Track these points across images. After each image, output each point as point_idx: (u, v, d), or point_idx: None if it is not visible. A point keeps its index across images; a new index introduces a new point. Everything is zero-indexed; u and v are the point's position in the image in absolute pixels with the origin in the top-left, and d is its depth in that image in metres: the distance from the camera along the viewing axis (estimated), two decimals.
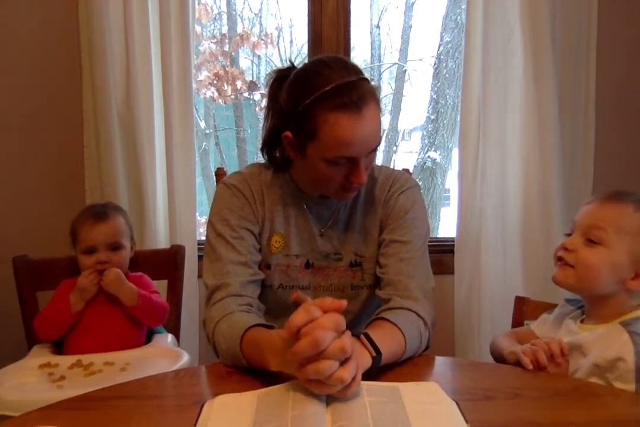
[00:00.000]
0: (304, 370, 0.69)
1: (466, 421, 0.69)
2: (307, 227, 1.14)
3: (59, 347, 1.40)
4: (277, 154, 1.14)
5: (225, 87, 2.83)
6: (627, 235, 0.94)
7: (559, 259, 0.99)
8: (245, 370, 0.89)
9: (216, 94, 2.84)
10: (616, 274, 0.95)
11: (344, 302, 0.73)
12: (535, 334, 1.08)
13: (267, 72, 1.13)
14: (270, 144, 1.14)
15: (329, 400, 0.72)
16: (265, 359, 0.80)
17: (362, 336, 0.85)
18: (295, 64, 1.09)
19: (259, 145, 1.16)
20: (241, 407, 0.73)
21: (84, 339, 1.37)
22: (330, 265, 1.15)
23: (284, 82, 1.05)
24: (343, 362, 0.70)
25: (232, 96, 2.87)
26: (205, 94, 2.84)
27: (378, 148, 1.05)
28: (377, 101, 1.00)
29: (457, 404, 0.73)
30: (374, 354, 0.83)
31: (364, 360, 0.81)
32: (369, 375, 0.80)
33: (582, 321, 1.01)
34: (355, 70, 1.00)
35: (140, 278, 1.48)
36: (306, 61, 1.09)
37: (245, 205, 1.11)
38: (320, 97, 0.96)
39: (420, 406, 0.72)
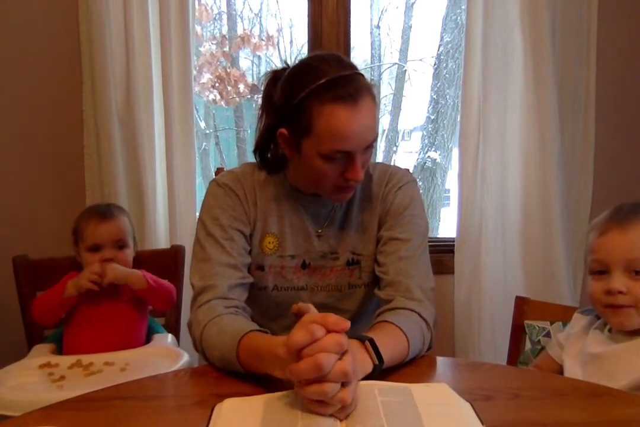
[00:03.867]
0: (306, 389, 0.68)
1: (481, 422, 0.68)
2: (302, 226, 1.12)
3: (59, 347, 1.41)
4: (269, 155, 1.13)
5: (229, 89, 2.83)
6: None
7: (613, 305, 0.93)
8: None
9: (218, 96, 2.84)
10: None
11: (347, 324, 0.71)
12: (553, 358, 1.05)
13: (262, 77, 1.12)
14: (263, 144, 1.12)
15: None
16: (270, 367, 0.78)
17: (367, 342, 0.83)
18: (290, 65, 1.08)
19: (253, 146, 1.14)
20: (249, 412, 0.72)
21: (83, 339, 1.37)
22: (327, 264, 1.13)
23: (279, 81, 1.04)
24: (344, 383, 0.69)
25: (236, 99, 2.87)
26: (207, 96, 2.84)
27: (374, 146, 1.04)
28: (372, 96, 0.99)
29: (471, 405, 0.73)
30: (377, 362, 0.82)
31: (365, 367, 0.81)
32: (368, 379, 0.80)
33: (609, 330, 0.98)
34: (351, 65, 1.00)
35: None
36: None
37: (237, 205, 1.09)
38: (315, 89, 0.95)
39: (432, 407, 0.71)
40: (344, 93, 0.94)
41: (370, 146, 1.02)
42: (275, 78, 1.07)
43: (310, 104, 0.96)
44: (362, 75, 1.00)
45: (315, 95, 0.95)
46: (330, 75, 0.95)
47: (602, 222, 0.97)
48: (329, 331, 0.69)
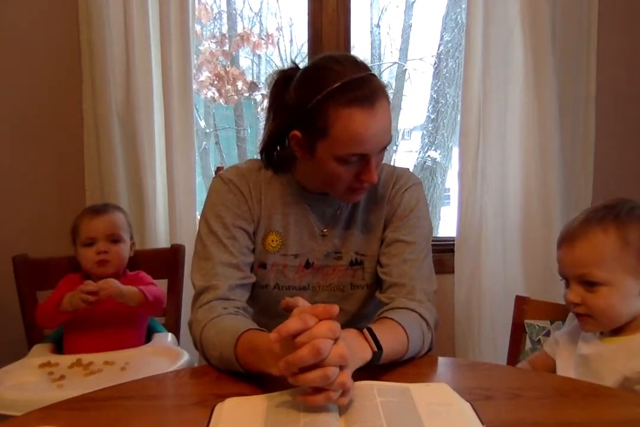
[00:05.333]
0: (307, 376, 0.68)
1: (482, 422, 0.68)
2: (308, 225, 1.12)
3: (59, 347, 1.41)
4: (276, 155, 1.12)
5: (227, 87, 2.83)
6: (615, 261, 0.92)
7: (576, 313, 0.97)
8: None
9: (217, 94, 2.84)
10: (631, 299, 0.93)
11: (335, 307, 0.72)
12: (549, 355, 1.06)
13: (268, 73, 1.10)
14: (271, 146, 1.11)
15: None
16: (266, 364, 0.78)
17: (365, 330, 0.84)
18: (298, 64, 1.07)
19: (259, 146, 1.13)
20: (251, 412, 0.72)
21: (83, 338, 1.38)
22: (330, 264, 1.12)
23: (289, 82, 1.03)
24: (341, 368, 0.70)
25: (235, 97, 2.87)
26: (206, 94, 2.84)
27: (388, 146, 1.03)
28: (387, 97, 0.99)
29: (471, 405, 0.73)
30: (375, 349, 0.82)
31: (364, 353, 0.81)
32: (367, 368, 0.80)
33: (601, 332, 0.98)
34: (364, 65, 0.99)
35: (137, 275, 1.49)
36: (306, 60, 1.08)
37: (241, 203, 1.08)
38: (332, 92, 0.94)
39: (432, 407, 0.72)
40: (360, 96, 0.93)
41: (384, 147, 1.01)
42: (285, 78, 1.05)
43: (326, 108, 0.95)
44: (375, 75, 0.99)
45: (331, 98, 0.94)
46: (346, 77, 0.94)
47: (560, 234, 1.00)
48: (320, 320, 0.71)
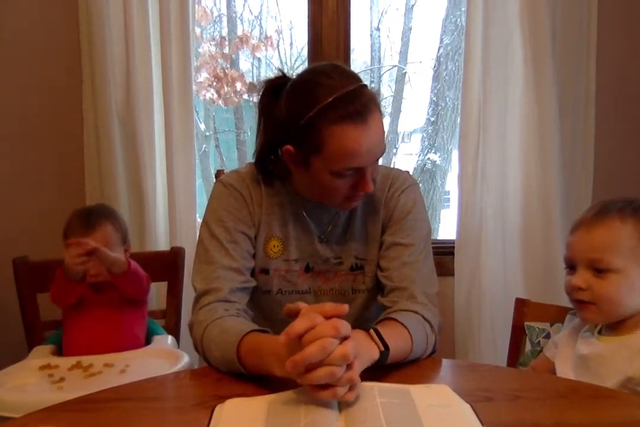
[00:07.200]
0: (314, 373, 0.68)
1: (482, 423, 0.68)
2: (306, 231, 1.11)
3: (59, 348, 1.40)
4: (271, 166, 1.10)
5: (226, 89, 2.83)
6: (628, 250, 0.92)
7: (577, 300, 0.96)
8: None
9: (215, 95, 2.84)
10: (636, 291, 0.93)
11: (345, 307, 0.72)
12: (549, 359, 1.06)
13: (268, 76, 1.08)
14: (265, 156, 1.10)
15: (342, 404, 0.72)
16: (270, 365, 0.78)
17: (372, 331, 0.85)
18: (285, 72, 1.05)
19: (253, 157, 1.11)
20: (251, 413, 0.72)
21: (83, 341, 1.37)
22: (331, 269, 1.13)
23: (278, 92, 1.02)
24: (348, 365, 0.70)
25: (235, 98, 2.87)
26: (204, 95, 2.84)
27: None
28: (379, 107, 0.98)
29: (471, 406, 0.73)
30: (382, 348, 0.83)
31: (371, 352, 0.82)
32: (374, 368, 0.81)
33: (599, 332, 0.98)
34: (354, 77, 0.98)
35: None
36: (306, 63, 1.07)
37: (242, 207, 1.08)
38: (323, 109, 0.93)
39: (432, 408, 0.72)
40: (352, 111, 0.92)
41: (379, 158, 1.02)
42: (272, 89, 1.04)
43: (318, 124, 0.94)
44: (365, 85, 0.98)
45: (323, 115, 0.93)
46: (336, 92, 0.93)
47: (575, 221, 1.00)
48: (327, 318, 0.71)
